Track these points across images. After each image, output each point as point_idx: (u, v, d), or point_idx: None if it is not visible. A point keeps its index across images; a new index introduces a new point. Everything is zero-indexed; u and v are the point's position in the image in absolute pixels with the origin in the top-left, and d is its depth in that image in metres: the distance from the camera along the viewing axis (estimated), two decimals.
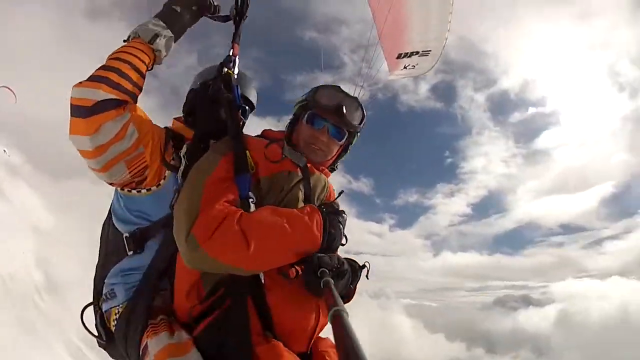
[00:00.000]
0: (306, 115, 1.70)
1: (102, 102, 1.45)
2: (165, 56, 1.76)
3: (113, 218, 1.81)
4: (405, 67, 3.40)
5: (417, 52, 3.37)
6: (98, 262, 1.88)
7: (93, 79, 1.48)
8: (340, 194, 1.79)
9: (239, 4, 1.95)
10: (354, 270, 1.53)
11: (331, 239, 1.44)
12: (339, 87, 1.75)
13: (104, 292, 1.72)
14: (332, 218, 1.47)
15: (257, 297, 1.39)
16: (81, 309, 1.84)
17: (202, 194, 1.36)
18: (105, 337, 1.73)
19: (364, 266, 1.57)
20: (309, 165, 1.65)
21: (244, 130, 1.74)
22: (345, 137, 1.74)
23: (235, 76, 1.83)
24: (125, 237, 1.71)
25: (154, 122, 1.72)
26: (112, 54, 1.61)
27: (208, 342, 1.33)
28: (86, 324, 1.79)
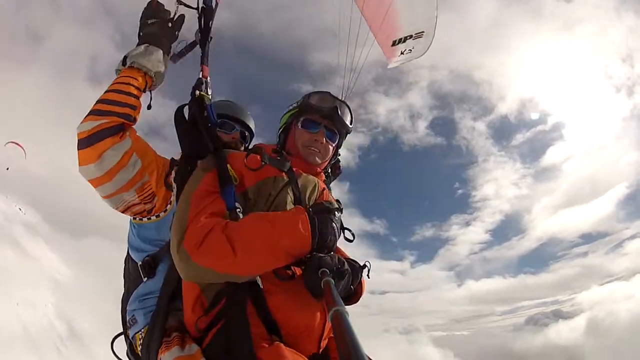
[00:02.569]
0: (301, 121, 1.79)
1: (98, 131, 1.58)
2: (164, 73, 1.86)
3: (129, 250, 1.91)
4: (402, 53, 3.41)
5: (411, 36, 3.37)
6: (123, 295, 1.95)
7: (88, 112, 1.62)
8: (339, 205, 1.71)
9: (203, 24, 1.91)
10: (355, 270, 1.54)
11: (323, 237, 1.42)
12: (329, 92, 1.86)
13: (127, 319, 1.81)
14: (323, 217, 1.45)
15: (259, 302, 1.39)
16: (110, 340, 1.91)
17: (189, 210, 1.41)
18: None
19: (364, 266, 1.59)
20: (294, 168, 1.68)
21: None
22: (337, 140, 1.86)
23: (210, 97, 1.75)
24: (140, 265, 1.83)
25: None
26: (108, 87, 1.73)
27: (215, 352, 1.35)
28: (117, 353, 1.87)
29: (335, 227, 1.46)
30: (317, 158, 1.78)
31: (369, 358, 1.33)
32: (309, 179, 1.73)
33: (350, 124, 1.87)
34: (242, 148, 2.25)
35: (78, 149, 1.59)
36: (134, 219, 1.85)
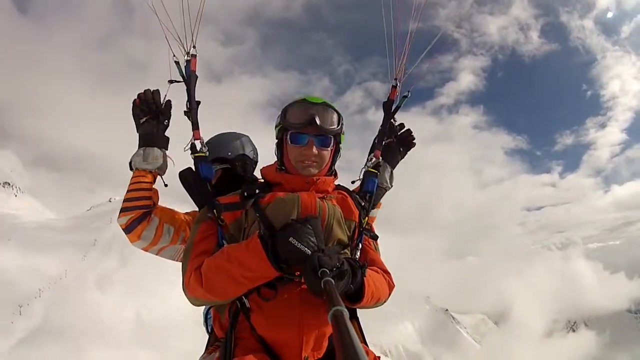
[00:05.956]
0: (288, 136, 1.81)
1: (130, 223, 2.10)
2: (164, 162, 2.22)
3: None
4: None
5: None
6: None
7: (120, 210, 2.14)
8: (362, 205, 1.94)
9: (189, 94, 2.17)
10: (354, 269, 1.55)
11: (284, 254, 1.50)
12: (305, 99, 1.83)
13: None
14: (280, 234, 1.53)
15: (248, 319, 1.63)
16: None
17: (189, 255, 1.73)
18: None
19: (363, 266, 1.61)
20: (260, 201, 1.76)
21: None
22: (332, 142, 1.83)
23: (206, 153, 2.05)
24: None
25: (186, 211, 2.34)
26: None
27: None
28: None
29: (295, 240, 1.48)
30: (311, 170, 1.82)
31: (368, 358, 1.57)
32: (286, 200, 1.76)
33: (338, 124, 1.84)
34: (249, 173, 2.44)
35: (125, 234, 2.14)
36: None
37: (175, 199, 2.31)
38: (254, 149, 2.54)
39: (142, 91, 2.21)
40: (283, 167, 1.88)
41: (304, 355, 1.59)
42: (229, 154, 2.41)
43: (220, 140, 2.47)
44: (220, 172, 2.38)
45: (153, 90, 2.22)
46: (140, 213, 2.11)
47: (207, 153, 2.07)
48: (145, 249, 2.20)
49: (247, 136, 2.55)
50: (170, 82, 2.22)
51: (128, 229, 2.10)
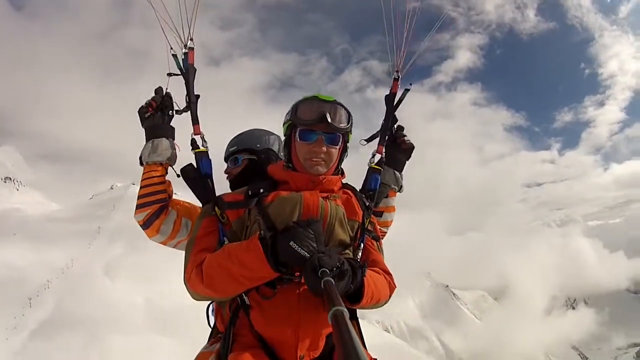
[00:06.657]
0: (297, 133, 1.81)
1: (148, 219, 2.11)
2: (173, 153, 2.21)
3: None
4: None
5: None
6: None
7: (135, 207, 2.15)
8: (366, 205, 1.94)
9: (188, 88, 2.18)
10: (354, 269, 1.55)
11: (284, 257, 1.50)
12: (316, 96, 1.83)
13: None
14: (280, 237, 1.53)
15: (248, 316, 1.66)
16: None
17: (191, 251, 1.77)
18: None
19: (363, 265, 1.61)
20: (263, 200, 1.76)
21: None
22: (341, 140, 1.84)
23: (207, 148, 2.11)
24: None
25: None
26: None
27: (217, 354, 1.66)
28: None
29: (295, 244, 1.47)
30: (319, 168, 1.81)
31: (369, 357, 1.56)
32: (288, 199, 1.75)
33: (348, 123, 1.84)
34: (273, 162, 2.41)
35: (143, 230, 2.16)
36: None
37: (188, 191, 2.29)
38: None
39: (152, 98, 2.23)
40: (290, 165, 1.87)
41: (299, 355, 1.61)
42: (257, 145, 2.44)
43: (251, 133, 2.54)
44: (247, 162, 2.42)
45: (156, 89, 2.25)
46: (156, 208, 2.12)
47: (207, 148, 2.10)
48: (164, 243, 2.22)
49: (279, 136, 2.55)
50: (169, 75, 2.22)
51: (146, 225, 2.12)
